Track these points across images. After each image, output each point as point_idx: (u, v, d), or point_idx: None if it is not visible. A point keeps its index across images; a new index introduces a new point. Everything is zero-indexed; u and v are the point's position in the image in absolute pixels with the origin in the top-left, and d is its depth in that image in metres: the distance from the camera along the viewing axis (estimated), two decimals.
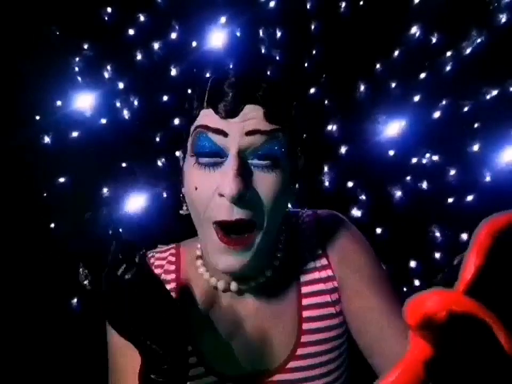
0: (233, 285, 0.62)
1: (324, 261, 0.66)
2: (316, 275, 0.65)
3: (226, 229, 0.53)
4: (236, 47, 1.62)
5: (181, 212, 0.63)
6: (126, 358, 0.62)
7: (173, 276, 0.67)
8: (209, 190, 0.53)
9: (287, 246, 0.67)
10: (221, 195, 0.52)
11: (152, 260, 0.69)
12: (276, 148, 0.54)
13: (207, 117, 0.54)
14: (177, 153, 0.65)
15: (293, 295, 0.65)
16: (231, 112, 0.53)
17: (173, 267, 0.68)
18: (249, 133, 0.52)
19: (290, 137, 0.56)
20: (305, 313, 0.63)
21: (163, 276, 0.67)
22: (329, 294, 0.64)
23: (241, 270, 0.55)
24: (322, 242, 0.67)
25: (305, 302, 0.64)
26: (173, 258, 0.69)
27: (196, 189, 0.54)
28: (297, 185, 0.66)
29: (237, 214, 0.52)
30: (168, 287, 0.65)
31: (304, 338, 0.62)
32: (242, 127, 0.52)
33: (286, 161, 0.55)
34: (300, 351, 0.62)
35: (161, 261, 0.69)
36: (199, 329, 0.63)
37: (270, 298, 0.64)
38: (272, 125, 0.53)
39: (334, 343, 0.64)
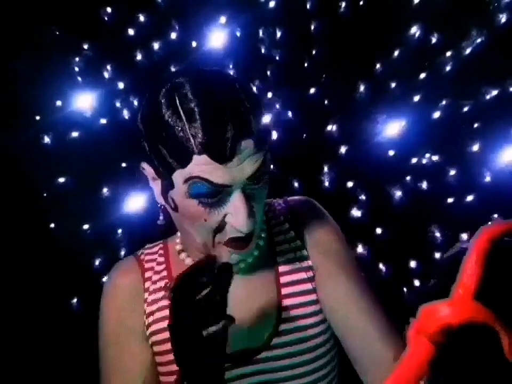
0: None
1: (304, 252, 0.69)
2: (291, 255, 0.69)
3: (235, 240, 0.58)
4: (236, 47, 1.62)
5: (158, 222, 0.67)
6: (119, 346, 0.65)
7: (163, 266, 0.70)
8: (219, 220, 0.56)
9: (266, 233, 0.71)
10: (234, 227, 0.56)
11: (142, 256, 0.72)
12: (265, 169, 0.56)
13: (203, 167, 0.51)
14: (144, 166, 0.61)
15: (272, 273, 0.68)
16: (230, 156, 0.51)
17: (162, 259, 0.71)
18: (250, 178, 0.54)
19: (268, 148, 0.57)
20: (284, 290, 0.66)
21: (156, 268, 0.70)
22: (305, 271, 0.67)
23: (246, 261, 0.64)
24: (295, 228, 0.71)
25: (283, 280, 0.67)
26: (162, 251, 0.73)
27: (205, 220, 0.56)
28: None
29: (247, 230, 0.56)
30: (159, 276, 0.69)
31: (285, 314, 0.64)
32: (242, 172, 0.53)
33: (269, 169, 0.59)
34: (282, 327, 0.64)
35: (151, 255, 0.73)
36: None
37: (252, 278, 0.67)
38: (261, 152, 0.54)
39: (314, 319, 0.65)
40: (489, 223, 0.32)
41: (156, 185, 0.61)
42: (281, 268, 0.68)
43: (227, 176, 0.52)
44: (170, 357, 0.63)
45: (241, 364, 0.62)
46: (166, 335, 0.63)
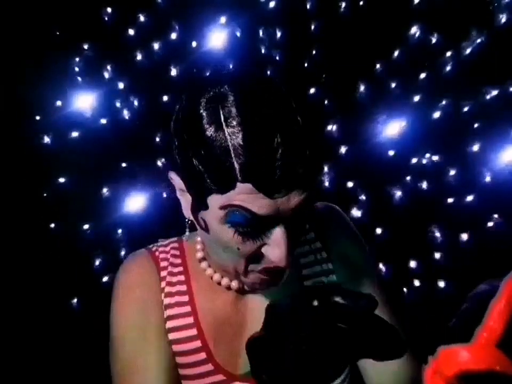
0: (234, 283, 0.62)
1: (323, 254, 0.68)
2: (317, 269, 0.67)
3: (270, 275, 0.53)
4: (236, 47, 1.62)
5: (185, 237, 0.64)
6: (139, 329, 0.61)
7: (180, 268, 0.67)
8: (255, 250, 0.51)
9: None
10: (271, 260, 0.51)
11: (157, 254, 0.68)
12: (311, 202, 0.51)
13: (246, 195, 0.46)
14: (172, 176, 0.55)
15: (296, 287, 0.65)
16: (277, 188, 0.45)
17: (178, 260, 0.67)
18: (295, 210, 0.48)
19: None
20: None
21: (170, 268, 0.66)
22: (329, 281, 0.66)
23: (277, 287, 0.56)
24: (321, 235, 0.69)
25: (307, 283, 0.65)
26: (177, 252, 0.68)
27: (238, 249, 0.50)
28: None
29: (286, 267, 0.51)
30: (176, 279, 0.66)
31: None
32: (288, 203, 0.47)
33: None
34: None
35: (165, 254, 0.68)
36: (207, 325, 0.63)
37: (275, 292, 0.63)
38: (309, 188, 0.49)
39: None
40: None
41: (185, 199, 0.55)
42: (306, 283, 0.65)
43: (272, 208, 0.46)
44: (187, 359, 0.61)
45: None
46: (182, 334, 0.62)
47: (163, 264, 0.66)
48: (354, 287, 0.65)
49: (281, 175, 0.45)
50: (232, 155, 0.45)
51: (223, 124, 0.45)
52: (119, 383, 0.60)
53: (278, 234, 0.48)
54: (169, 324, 0.63)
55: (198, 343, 0.62)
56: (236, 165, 0.45)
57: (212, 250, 0.58)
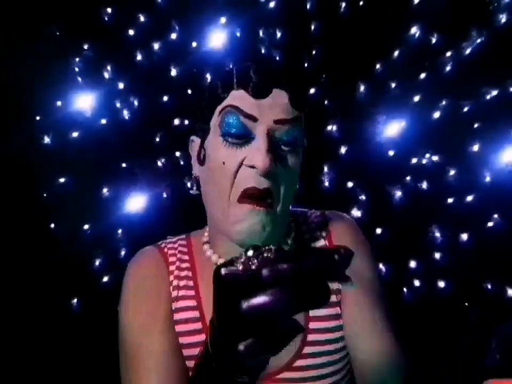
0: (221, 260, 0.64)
1: None
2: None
3: (251, 197, 0.56)
4: (236, 47, 1.62)
5: (191, 191, 0.67)
6: (147, 318, 0.63)
7: (187, 264, 0.69)
8: (237, 164, 0.57)
9: (294, 241, 0.68)
10: (251, 167, 0.56)
11: (165, 249, 0.70)
12: (298, 134, 0.58)
13: (237, 98, 0.57)
14: (193, 138, 0.67)
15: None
16: (262, 93, 0.56)
17: (186, 256, 0.69)
18: (277, 122, 0.56)
19: (305, 123, 0.61)
20: (312, 312, 0.64)
21: (178, 263, 0.68)
22: (335, 294, 0.65)
23: (262, 232, 0.57)
24: (330, 243, 0.69)
25: None
26: (185, 249, 0.71)
27: (224, 163, 0.57)
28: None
29: (264, 183, 0.56)
30: (184, 273, 0.68)
31: (311, 337, 0.63)
32: (272, 113, 0.56)
33: (301, 147, 0.60)
34: (306, 350, 0.63)
35: (174, 250, 0.71)
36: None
37: None
38: (296, 111, 0.58)
39: (338, 344, 0.64)
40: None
41: (196, 153, 0.65)
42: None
43: (256, 109, 0.56)
44: (193, 351, 0.62)
45: (260, 382, 0.61)
46: (188, 327, 0.63)
47: (171, 259, 0.69)
48: (356, 301, 0.64)
49: (266, 85, 0.56)
50: (234, 72, 0.59)
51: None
52: (126, 369, 0.62)
53: (259, 137, 0.56)
54: (176, 316, 0.64)
55: (203, 337, 0.63)
56: (234, 78, 0.58)
57: (209, 203, 0.62)
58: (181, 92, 1.66)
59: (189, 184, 0.65)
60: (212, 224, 0.65)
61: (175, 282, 0.67)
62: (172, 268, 0.68)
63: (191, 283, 0.67)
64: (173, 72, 1.65)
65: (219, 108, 0.59)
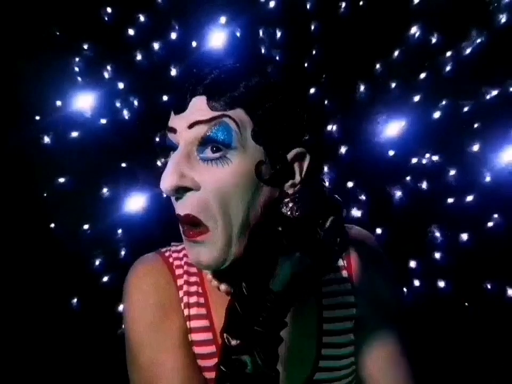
0: (223, 287, 0.59)
1: (348, 286, 0.64)
2: (339, 299, 0.64)
3: (187, 224, 0.52)
4: (236, 47, 1.62)
5: None
6: (160, 333, 0.58)
7: (195, 278, 0.64)
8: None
9: None
10: None
11: (171, 260, 0.65)
12: (221, 134, 0.49)
13: (169, 119, 0.55)
14: None
15: (313, 319, 0.63)
16: (180, 107, 0.52)
17: (193, 269, 0.64)
18: (191, 125, 0.51)
19: (241, 125, 0.50)
20: (325, 339, 0.62)
21: (185, 277, 0.63)
22: (349, 320, 0.63)
23: (208, 262, 0.52)
24: (347, 263, 0.65)
25: (326, 327, 0.63)
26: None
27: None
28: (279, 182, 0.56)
29: (184, 208, 0.51)
30: (194, 289, 0.63)
31: (322, 363, 0.62)
32: (186, 120, 0.51)
33: (237, 152, 0.50)
34: (318, 375, 0.61)
35: (179, 260, 0.65)
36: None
37: (293, 319, 0.61)
38: (214, 112, 0.50)
39: (350, 369, 0.63)
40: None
41: None
42: (326, 313, 0.63)
43: (176, 121, 0.53)
44: (206, 375, 0.59)
45: None
46: (202, 350, 0.59)
47: (178, 271, 0.63)
48: (372, 328, 0.63)
49: (184, 100, 0.52)
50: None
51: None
52: (143, 382, 0.58)
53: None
54: (191, 337, 0.60)
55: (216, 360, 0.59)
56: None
57: None
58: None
59: None
60: None
61: (185, 299, 0.62)
62: (180, 282, 0.63)
63: (202, 300, 0.62)
64: (173, 72, 1.65)
65: None
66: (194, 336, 0.60)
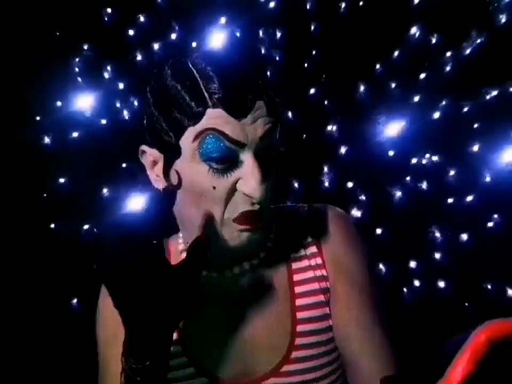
0: (214, 274, 0.61)
1: (318, 260, 0.64)
2: (310, 274, 0.64)
3: (247, 219, 0.54)
4: (236, 48, 1.62)
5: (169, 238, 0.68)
6: (114, 348, 0.61)
7: None
8: (228, 189, 0.53)
9: (279, 235, 0.66)
10: (245, 194, 0.53)
11: None
12: (275, 140, 0.55)
13: (216, 119, 0.50)
14: (145, 148, 0.59)
15: (286, 293, 0.63)
16: (244, 112, 0.50)
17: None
18: (262, 138, 0.52)
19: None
20: (299, 315, 0.62)
21: None
22: (323, 294, 0.62)
23: (256, 243, 0.57)
24: (317, 238, 0.65)
25: (298, 302, 0.62)
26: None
27: (214, 188, 0.53)
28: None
29: (257, 205, 0.54)
30: None
31: (298, 341, 0.61)
32: (256, 131, 0.51)
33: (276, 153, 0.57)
34: (294, 354, 0.60)
35: None
36: (188, 325, 0.62)
37: (264, 294, 0.63)
38: (271, 118, 0.53)
39: (329, 346, 0.62)
40: (495, 320, 0.29)
41: (156, 168, 0.58)
42: (298, 289, 0.63)
43: (242, 133, 0.50)
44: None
45: None
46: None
47: None
48: (346, 303, 0.61)
49: (246, 102, 0.50)
50: (202, 86, 0.51)
51: (192, 67, 0.53)
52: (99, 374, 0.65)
53: (249, 164, 0.51)
54: None
55: (177, 348, 0.61)
56: (206, 94, 0.50)
57: (186, 219, 0.59)
58: None
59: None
60: (190, 235, 0.60)
61: None
62: None
63: None
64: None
65: (194, 130, 0.51)
66: None
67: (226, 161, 0.52)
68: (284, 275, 0.64)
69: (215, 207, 0.54)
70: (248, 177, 0.52)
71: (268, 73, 1.63)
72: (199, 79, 0.51)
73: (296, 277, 0.64)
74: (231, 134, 0.50)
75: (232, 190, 0.53)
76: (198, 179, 0.53)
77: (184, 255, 0.63)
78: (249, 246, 0.56)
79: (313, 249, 0.65)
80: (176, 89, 0.52)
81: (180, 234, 0.67)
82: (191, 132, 0.51)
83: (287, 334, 0.61)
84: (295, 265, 0.64)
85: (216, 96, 0.50)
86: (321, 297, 0.62)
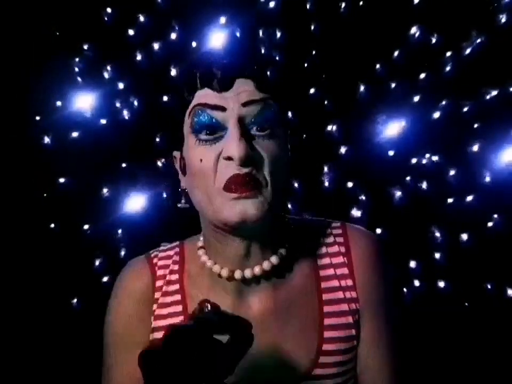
0: (238, 273, 0.61)
1: (349, 282, 0.65)
2: (340, 295, 0.64)
3: (235, 185, 0.55)
4: (236, 47, 1.62)
5: (179, 205, 0.65)
6: (119, 355, 0.65)
7: (176, 276, 0.67)
8: (215, 159, 0.56)
9: (298, 247, 0.66)
10: (228, 158, 0.54)
11: (155, 260, 0.69)
12: (271, 115, 0.57)
13: (202, 96, 0.57)
14: (174, 153, 0.65)
15: (313, 298, 0.64)
16: (225, 85, 0.56)
17: (176, 267, 0.68)
18: (245, 104, 0.55)
19: (281, 106, 0.60)
20: (327, 334, 0.63)
21: (168, 277, 0.67)
22: (352, 315, 0.64)
23: (256, 215, 0.54)
24: (349, 260, 0.66)
25: (327, 322, 0.63)
26: (177, 257, 0.69)
27: (201, 160, 0.56)
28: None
29: (245, 170, 0.54)
30: (173, 288, 0.66)
31: (326, 347, 0.62)
32: (238, 99, 0.55)
33: (280, 129, 0.59)
34: (322, 359, 0.62)
35: (165, 260, 0.69)
36: None
37: (286, 296, 0.63)
38: (263, 94, 0.57)
39: (353, 354, 0.64)
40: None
41: (179, 164, 0.64)
42: (327, 308, 0.64)
43: (222, 100, 0.56)
44: None
45: None
46: None
47: (160, 272, 0.67)
48: (369, 324, 0.65)
49: (228, 77, 0.56)
50: (194, 72, 0.59)
51: (191, 61, 0.64)
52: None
53: (230, 130, 0.55)
54: (159, 335, 0.62)
55: None
56: (197, 79, 0.58)
57: (198, 204, 0.60)
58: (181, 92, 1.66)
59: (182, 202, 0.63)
60: (206, 228, 0.64)
61: (161, 300, 0.66)
62: (159, 283, 0.66)
63: (178, 297, 0.65)
64: (173, 72, 1.65)
65: (187, 112, 0.58)
66: (159, 335, 0.63)
67: (212, 130, 0.56)
68: (311, 293, 0.64)
69: (206, 180, 0.56)
70: (228, 140, 0.54)
71: (268, 73, 1.63)
72: (194, 70, 0.59)
73: (326, 296, 0.64)
74: (211, 102, 0.56)
75: (217, 160, 0.56)
76: (189, 155, 0.58)
77: (201, 252, 0.65)
78: (249, 218, 0.54)
79: (344, 270, 0.65)
80: (179, 86, 0.61)
81: (201, 238, 0.67)
82: (186, 115, 0.59)
83: (314, 337, 0.62)
84: (324, 285, 0.65)
85: (203, 79, 0.57)
86: (349, 319, 0.64)
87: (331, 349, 0.62)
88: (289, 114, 1.62)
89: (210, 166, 0.55)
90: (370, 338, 0.64)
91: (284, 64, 1.63)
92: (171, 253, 0.70)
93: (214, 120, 0.56)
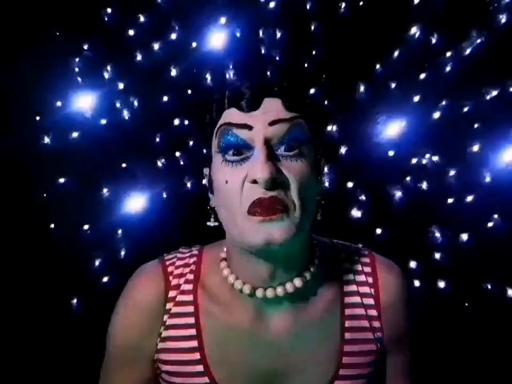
0: (260, 291, 0.60)
1: (373, 312, 0.66)
2: (365, 323, 0.66)
3: (260, 208, 0.53)
4: (236, 48, 1.62)
5: (208, 223, 0.63)
6: (121, 364, 0.65)
7: (190, 286, 0.65)
8: (240, 181, 0.54)
9: (330, 271, 0.67)
10: (253, 181, 0.53)
11: (170, 268, 0.67)
12: (299, 134, 0.56)
13: (229, 115, 0.56)
14: (204, 170, 0.66)
15: (335, 323, 0.65)
16: (252, 105, 0.55)
17: (192, 276, 0.66)
18: (272, 123, 0.54)
19: (310, 125, 0.58)
20: (345, 359, 0.64)
21: (182, 287, 0.65)
22: (374, 331, 0.66)
23: (283, 237, 0.53)
24: (376, 292, 0.67)
25: (348, 336, 0.65)
26: (194, 267, 0.67)
27: (227, 182, 0.55)
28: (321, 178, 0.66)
29: (270, 193, 0.53)
30: (187, 298, 0.65)
31: (346, 360, 0.64)
32: (265, 118, 0.54)
33: (308, 149, 0.57)
34: (342, 372, 0.63)
35: (182, 268, 0.67)
36: (211, 350, 0.62)
37: (307, 319, 0.64)
38: (291, 113, 0.55)
39: (371, 369, 0.66)
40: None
41: (207, 183, 0.64)
42: (348, 335, 0.65)
43: (249, 119, 0.54)
44: (185, 380, 0.62)
45: None
46: (175, 368, 0.62)
47: (174, 282, 0.65)
48: (390, 353, 0.69)
49: (255, 97, 0.55)
50: (223, 93, 0.58)
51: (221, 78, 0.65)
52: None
53: (256, 152, 0.54)
54: (170, 345, 0.63)
55: (200, 368, 0.62)
56: (225, 98, 0.57)
57: (225, 224, 0.59)
58: (181, 92, 1.66)
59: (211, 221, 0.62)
60: (231, 244, 0.63)
61: (173, 310, 0.64)
62: (172, 293, 0.65)
63: (191, 309, 0.64)
64: (173, 72, 1.65)
65: (214, 131, 0.58)
66: (170, 344, 0.63)
67: (238, 150, 0.55)
68: (334, 318, 0.65)
69: (232, 202, 0.55)
70: (254, 161, 0.53)
71: (268, 73, 1.63)
72: (222, 90, 0.58)
73: (349, 323, 0.65)
74: (237, 121, 0.55)
75: (243, 182, 0.54)
76: (215, 175, 0.57)
77: (223, 264, 0.64)
78: (274, 242, 0.53)
79: (370, 300, 0.66)
80: (210, 108, 0.60)
81: (224, 248, 0.67)
82: (214, 136, 0.58)
83: (334, 352, 0.64)
84: (348, 311, 0.66)
85: (231, 99, 0.56)
86: (369, 335, 0.65)
87: (347, 374, 0.64)
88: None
89: (235, 188, 0.54)
90: (393, 369, 0.70)
91: (284, 63, 1.63)
92: (189, 261, 0.68)
93: (240, 139, 0.55)
